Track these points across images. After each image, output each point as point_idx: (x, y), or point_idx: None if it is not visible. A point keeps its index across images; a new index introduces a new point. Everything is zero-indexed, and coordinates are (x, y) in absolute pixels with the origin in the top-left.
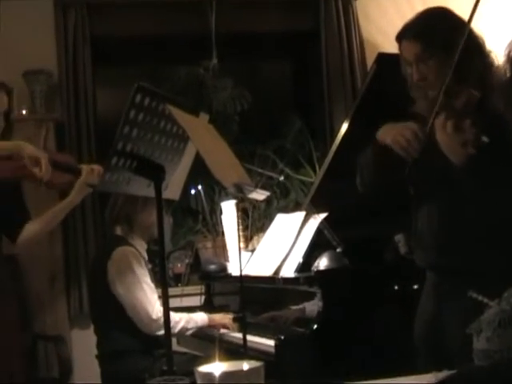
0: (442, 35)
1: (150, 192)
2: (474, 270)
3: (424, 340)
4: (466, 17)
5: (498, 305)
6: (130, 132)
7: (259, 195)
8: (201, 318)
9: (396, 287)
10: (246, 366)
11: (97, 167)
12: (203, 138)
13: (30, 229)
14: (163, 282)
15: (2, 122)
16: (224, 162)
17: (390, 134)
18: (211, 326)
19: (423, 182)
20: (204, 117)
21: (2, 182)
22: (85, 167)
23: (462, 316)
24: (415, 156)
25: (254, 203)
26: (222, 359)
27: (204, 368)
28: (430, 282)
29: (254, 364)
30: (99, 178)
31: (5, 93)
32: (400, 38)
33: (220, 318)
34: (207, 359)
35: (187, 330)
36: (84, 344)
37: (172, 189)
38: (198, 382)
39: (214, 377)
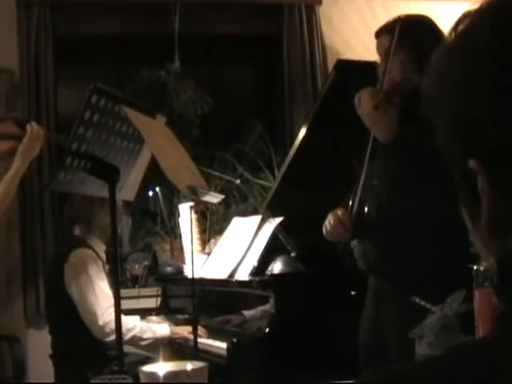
0: (412, 33)
1: (105, 193)
2: (413, 275)
3: (365, 345)
4: None
5: (441, 310)
6: (84, 132)
7: (213, 198)
8: (162, 329)
9: (352, 292)
10: (189, 366)
11: (36, 126)
12: (158, 139)
13: None
14: (116, 283)
15: None
16: (178, 165)
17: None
18: (172, 339)
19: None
20: (161, 119)
21: None
22: (29, 127)
23: (400, 321)
24: (344, 240)
25: (213, 207)
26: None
27: (148, 367)
28: (371, 288)
29: (198, 364)
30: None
31: None
32: (376, 35)
33: (183, 330)
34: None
35: (141, 339)
36: (40, 344)
37: (127, 190)
38: (142, 381)
39: (158, 376)
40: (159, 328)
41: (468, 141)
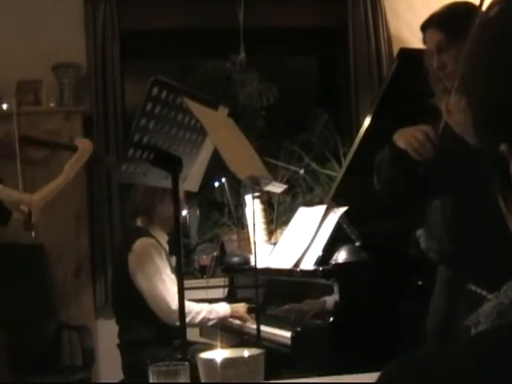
0: (464, 25)
1: (168, 183)
2: (482, 263)
3: (437, 335)
4: None
5: (497, 298)
6: (146, 124)
7: (276, 188)
8: (223, 308)
9: (418, 282)
10: (246, 352)
11: (88, 142)
12: (220, 130)
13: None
14: (179, 272)
15: None
16: (241, 155)
17: (404, 137)
18: (233, 317)
19: (438, 175)
20: (223, 110)
21: None
22: (80, 143)
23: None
24: (428, 157)
25: (279, 197)
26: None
27: (206, 354)
28: (441, 277)
29: (255, 351)
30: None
31: None
32: (424, 27)
33: (242, 308)
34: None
35: (209, 320)
36: (109, 334)
37: (190, 181)
38: (200, 368)
39: (216, 363)
40: (221, 307)
41: (497, 126)
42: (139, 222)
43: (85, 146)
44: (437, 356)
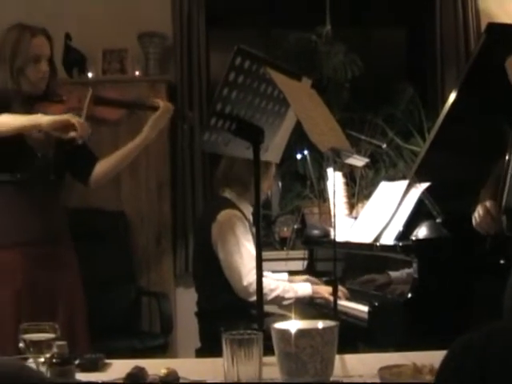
0: None
1: (249, 154)
2: None
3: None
4: None
5: None
6: (229, 94)
7: (357, 161)
8: (303, 288)
9: (500, 261)
10: (320, 324)
11: (168, 103)
12: (302, 102)
13: (102, 167)
14: (258, 244)
15: (46, 66)
16: (323, 127)
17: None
18: (313, 298)
19: None
20: (306, 81)
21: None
22: (162, 103)
23: None
24: (491, 233)
25: (362, 171)
26: None
27: (280, 325)
28: None
29: (329, 323)
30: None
31: (46, 38)
32: None
33: (325, 290)
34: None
35: (284, 299)
36: (187, 302)
37: (272, 152)
38: (274, 338)
39: (290, 333)
40: (301, 287)
41: None
42: (227, 193)
43: (167, 105)
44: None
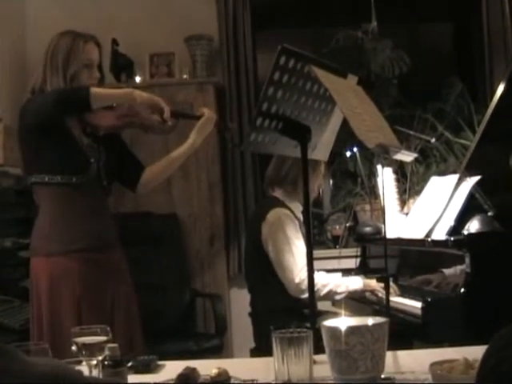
0: None
1: (297, 153)
2: None
3: None
4: None
5: None
6: (274, 93)
7: (406, 157)
8: (354, 282)
9: None
10: (371, 321)
11: (214, 115)
12: (348, 99)
13: (151, 173)
14: (308, 241)
15: (96, 73)
16: (370, 124)
17: None
18: (366, 291)
19: None
20: (352, 78)
21: (108, 137)
22: (206, 111)
23: None
24: None
25: (413, 167)
26: None
27: (330, 322)
28: None
29: (379, 320)
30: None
31: (96, 44)
32: None
33: (376, 284)
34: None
35: (336, 293)
36: (241, 303)
37: (320, 150)
38: (324, 335)
39: (340, 331)
40: (352, 281)
41: None
42: (277, 193)
43: (210, 113)
44: None
